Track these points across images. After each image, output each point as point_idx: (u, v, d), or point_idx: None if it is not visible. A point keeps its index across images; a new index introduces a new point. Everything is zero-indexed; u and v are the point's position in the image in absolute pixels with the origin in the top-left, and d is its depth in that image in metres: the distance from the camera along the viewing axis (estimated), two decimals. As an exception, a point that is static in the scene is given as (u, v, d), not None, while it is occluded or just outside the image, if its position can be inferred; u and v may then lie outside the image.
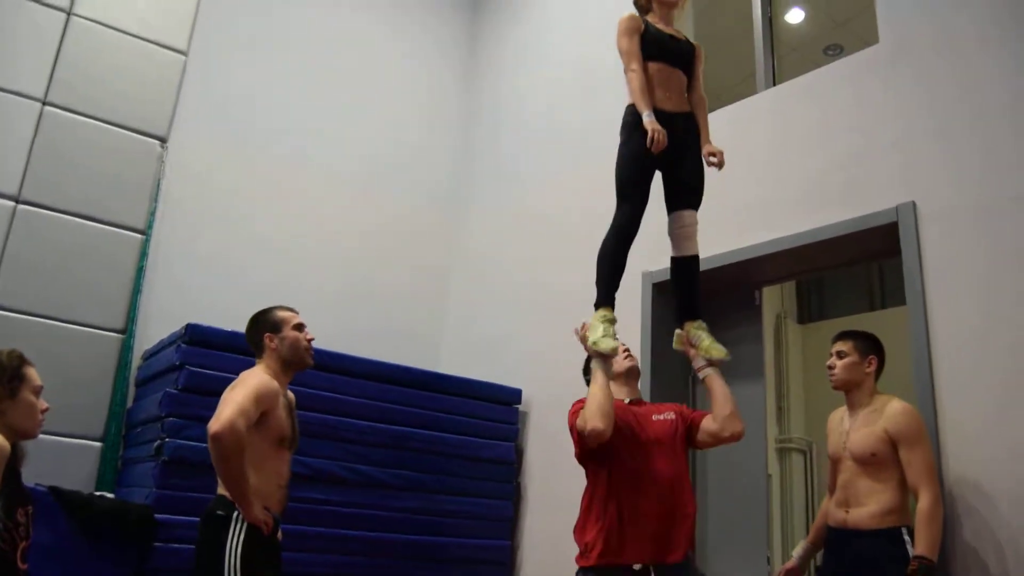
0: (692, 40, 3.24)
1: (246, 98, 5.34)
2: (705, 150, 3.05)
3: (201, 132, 5.07)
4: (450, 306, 5.86)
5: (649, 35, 3.08)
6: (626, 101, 3.05)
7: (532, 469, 4.72)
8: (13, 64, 4.44)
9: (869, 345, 3.05)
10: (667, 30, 3.16)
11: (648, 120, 2.84)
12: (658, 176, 3.07)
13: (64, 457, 4.07)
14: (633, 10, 3.23)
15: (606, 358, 2.83)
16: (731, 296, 4.26)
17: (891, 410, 2.86)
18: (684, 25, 4.95)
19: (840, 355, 3.06)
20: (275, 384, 2.83)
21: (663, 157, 2.92)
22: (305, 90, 5.61)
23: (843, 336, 3.12)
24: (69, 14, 4.68)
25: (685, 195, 3.06)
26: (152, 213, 4.71)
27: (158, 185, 4.77)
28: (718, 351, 2.88)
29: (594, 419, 2.68)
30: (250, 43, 5.44)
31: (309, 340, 3.01)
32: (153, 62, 4.91)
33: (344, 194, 5.61)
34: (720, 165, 3.02)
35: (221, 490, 2.74)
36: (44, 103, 4.50)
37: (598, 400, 2.73)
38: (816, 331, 5.86)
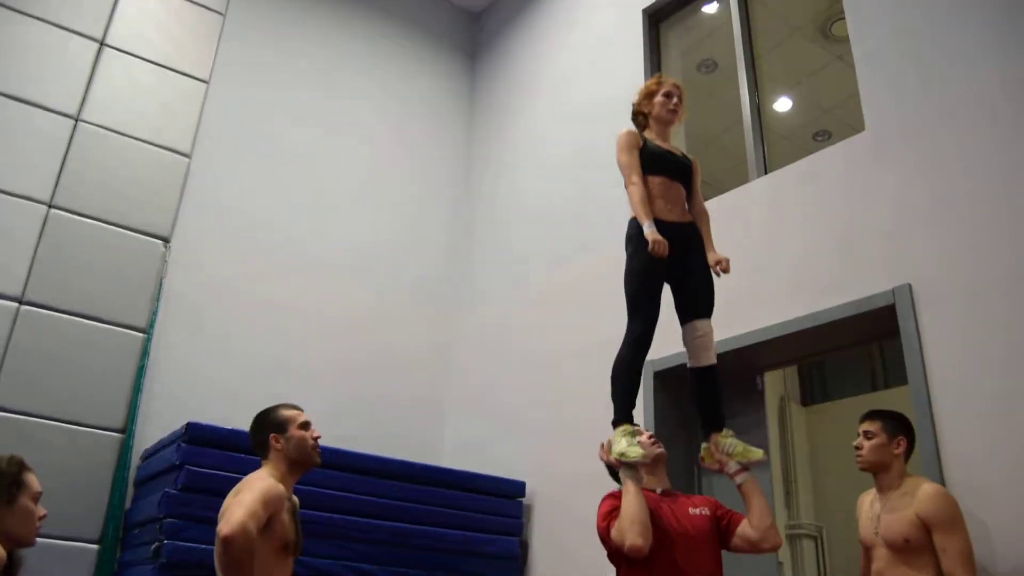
0: (688, 155, 3.37)
1: (249, 198, 5.43)
2: (711, 258, 3.11)
3: (204, 232, 5.15)
4: (451, 400, 5.83)
5: (648, 150, 3.18)
6: (629, 214, 3.09)
7: (538, 564, 4.62)
8: (20, 168, 4.55)
9: (898, 425, 2.92)
10: (664, 146, 3.27)
11: (649, 231, 2.89)
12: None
13: (60, 560, 3.99)
14: (631, 125, 3.34)
15: (636, 467, 2.79)
16: (733, 382, 4.24)
17: (923, 493, 2.72)
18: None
19: (867, 435, 2.92)
20: (281, 488, 2.72)
21: (670, 268, 3.00)
22: (305, 187, 5.71)
23: (870, 416, 2.98)
24: (77, 120, 4.82)
25: (696, 304, 3.09)
26: (154, 312, 4.74)
27: (160, 284, 4.81)
28: (755, 453, 2.87)
29: (633, 536, 2.61)
30: (253, 144, 5.57)
31: (316, 438, 2.92)
32: (158, 165, 5.03)
33: (345, 293, 5.64)
34: (725, 271, 3.09)
35: None
36: (50, 206, 4.58)
37: (633, 513, 2.66)
38: (820, 413, 5.82)
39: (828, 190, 3.85)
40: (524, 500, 4.76)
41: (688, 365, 3.11)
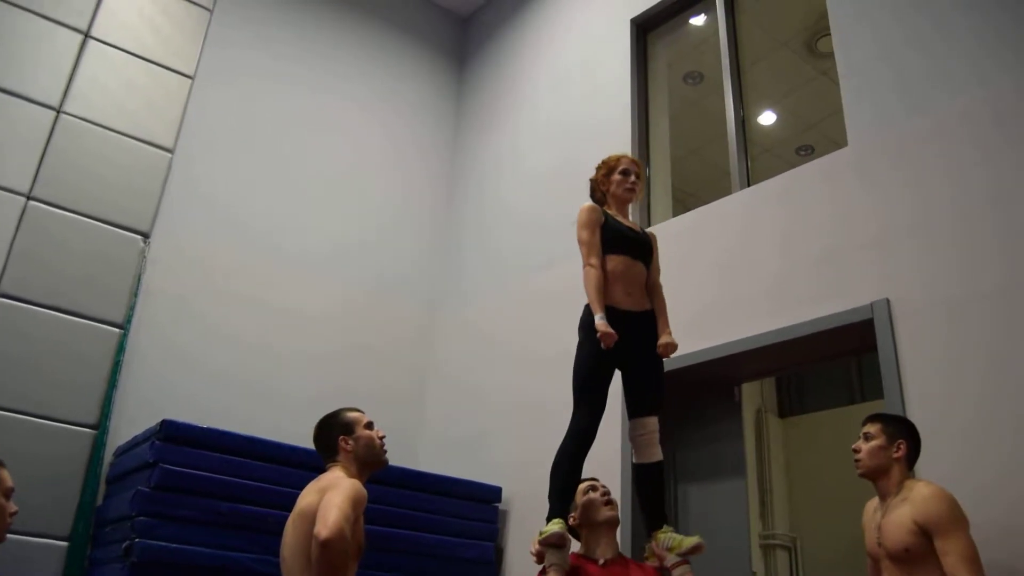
0: (647, 231, 3.36)
1: (231, 195, 5.40)
2: (660, 341, 3.03)
3: (184, 228, 5.10)
4: (428, 404, 5.82)
5: (609, 227, 3.12)
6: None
7: (512, 569, 4.61)
8: (0, 159, 4.49)
9: (899, 428, 2.75)
10: (625, 223, 3.23)
11: (600, 322, 2.82)
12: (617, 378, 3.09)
13: (29, 557, 3.93)
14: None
15: (558, 547, 2.75)
16: (711, 393, 4.27)
17: (918, 496, 2.55)
18: (660, 126, 5.12)
19: (867, 437, 2.76)
20: (364, 490, 2.66)
21: (621, 358, 2.96)
22: (288, 188, 5.69)
23: (872, 418, 2.82)
24: (59, 112, 4.77)
25: (644, 401, 3.02)
26: (132, 307, 4.69)
27: (139, 280, 4.77)
28: (690, 541, 2.82)
29: None
30: (236, 141, 5.53)
31: (382, 437, 2.91)
32: (139, 159, 4.99)
33: (324, 292, 5.62)
34: (665, 356, 3.03)
35: None
36: (29, 197, 4.53)
37: None
38: (796, 425, 5.87)
39: (810, 204, 3.88)
40: (500, 505, 4.75)
41: (633, 461, 3.04)
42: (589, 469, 3.05)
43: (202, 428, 3.91)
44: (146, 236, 4.87)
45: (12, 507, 2.33)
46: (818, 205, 3.85)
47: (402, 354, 5.85)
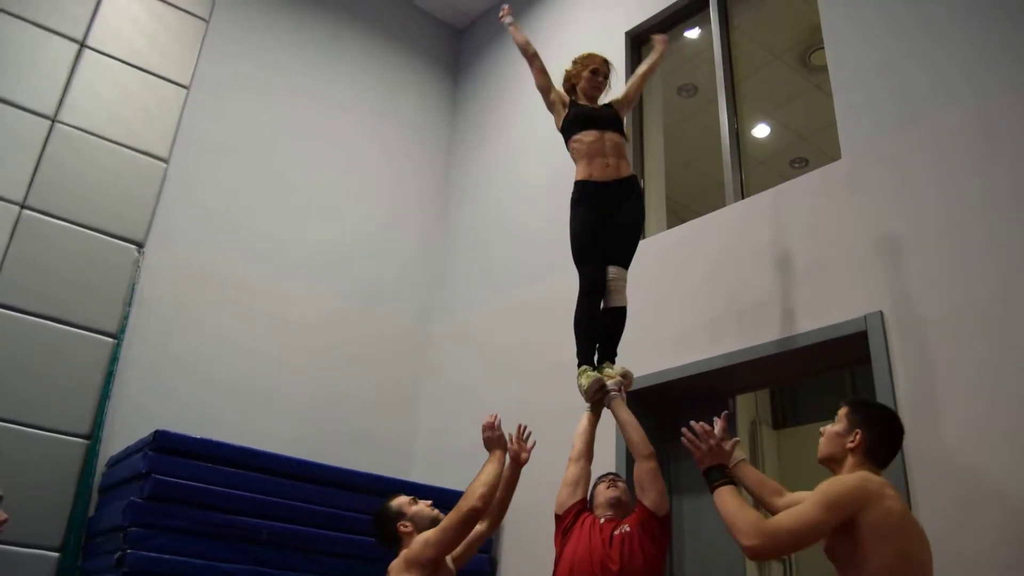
0: (611, 104, 3.82)
1: (225, 205, 5.40)
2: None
3: (179, 237, 5.10)
4: (422, 416, 5.81)
5: (574, 110, 3.69)
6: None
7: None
8: (-6, 168, 4.49)
9: (863, 416, 2.47)
10: (591, 104, 3.75)
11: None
12: None
13: (19, 568, 3.91)
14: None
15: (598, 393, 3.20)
16: (705, 405, 4.26)
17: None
18: (654, 138, 5.14)
19: (836, 421, 2.53)
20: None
21: (606, 222, 3.42)
22: (282, 198, 5.69)
23: (845, 401, 2.58)
24: (54, 121, 4.77)
25: (614, 253, 3.45)
26: (125, 317, 4.68)
27: (133, 289, 4.76)
28: (621, 368, 3.28)
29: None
30: (230, 151, 5.54)
31: (429, 504, 3.03)
32: (134, 168, 4.99)
33: (318, 302, 5.61)
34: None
35: None
36: (23, 206, 4.53)
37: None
38: (791, 436, 5.87)
39: (803, 216, 3.90)
40: (494, 517, 4.73)
41: (601, 305, 3.42)
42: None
43: (195, 439, 3.90)
44: (140, 245, 4.87)
45: (2, 515, 2.32)
46: (812, 217, 3.86)
47: (396, 364, 5.85)
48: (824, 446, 2.50)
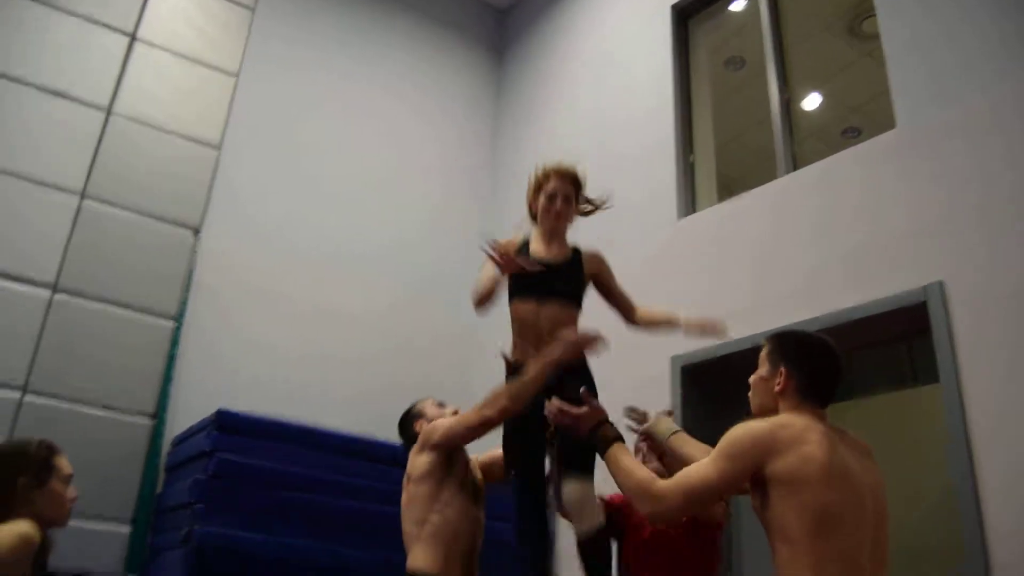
0: (583, 252, 2.84)
1: (277, 189, 5.49)
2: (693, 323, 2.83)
3: (233, 222, 5.21)
4: (476, 392, 5.83)
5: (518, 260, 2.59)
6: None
7: (562, 553, 4.62)
8: (54, 159, 4.61)
9: (786, 350, 2.09)
10: (544, 253, 2.79)
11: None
12: None
13: (93, 541, 4.06)
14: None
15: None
16: (759, 378, 4.25)
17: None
18: (703, 112, 5.09)
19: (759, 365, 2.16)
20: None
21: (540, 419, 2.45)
22: (332, 179, 5.77)
23: (766, 339, 2.20)
24: (108, 113, 4.87)
25: (568, 456, 2.54)
26: (184, 301, 4.79)
27: (190, 274, 4.87)
28: None
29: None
30: (281, 136, 5.62)
31: (453, 412, 2.99)
32: (187, 156, 5.09)
33: (371, 283, 5.69)
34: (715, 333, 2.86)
35: None
36: (83, 196, 4.65)
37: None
38: (844, 411, 5.78)
39: (858, 187, 3.84)
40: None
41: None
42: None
43: (256, 418, 4.00)
44: (196, 231, 4.97)
45: (72, 492, 2.40)
46: (866, 188, 3.80)
47: (448, 346, 5.90)
48: (752, 398, 2.15)
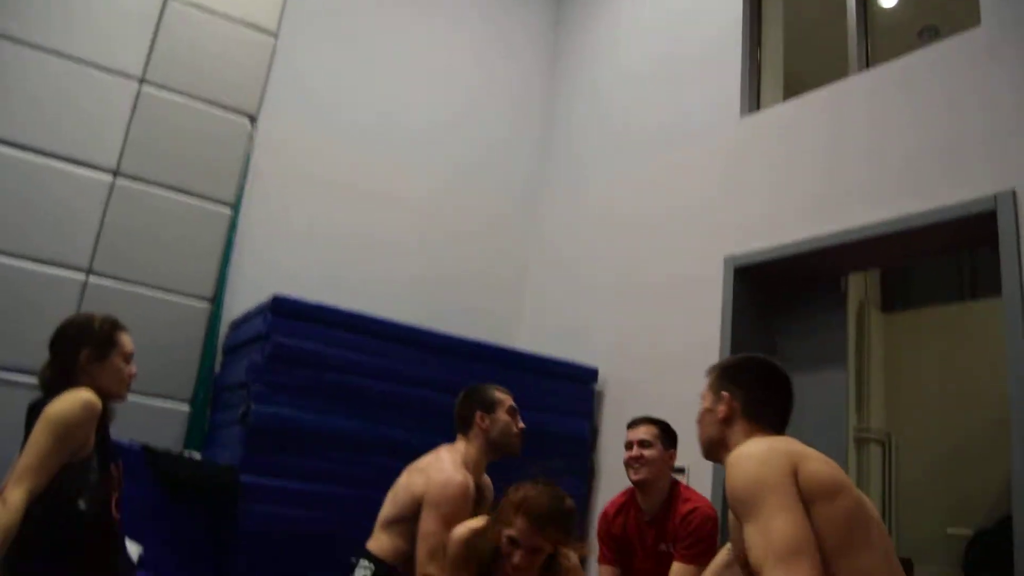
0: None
1: (332, 80, 5.45)
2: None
3: (289, 111, 5.20)
4: (528, 290, 5.90)
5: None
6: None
7: (607, 447, 4.72)
8: (114, 45, 4.60)
9: (725, 374, 2.01)
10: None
11: None
12: None
13: (155, 417, 4.23)
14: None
15: None
16: (815, 283, 4.19)
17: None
18: (772, 8, 4.86)
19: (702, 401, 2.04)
20: (463, 492, 2.62)
21: None
22: (389, 74, 5.69)
23: (706, 374, 2.07)
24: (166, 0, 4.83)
25: None
26: (241, 188, 4.85)
27: (247, 161, 4.91)
28: None
29: None
30: (337, 27, 5.54)
31: (521, 428, 2.87)
32: (244, 43, 5.03)
33: (426, 176, 5.68)
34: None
35: None
36: (142, 81, 4.66)
37: None
38: (900, 321, 5.73)
39: (934, 88, 3.65)
40: (596, 386, 4.84)
41: None
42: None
43: (310, 303, 4.07)
44: (253, 118, 4.97)
45: (132, 369, 2.48)
46: (943, 89, 3.61)
47: (505, 234, 5.95)
48: (700, 436, 2.00)
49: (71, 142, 4.39)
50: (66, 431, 2.17)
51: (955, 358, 5.31)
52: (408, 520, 2.65)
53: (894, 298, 5.93)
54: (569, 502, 2.35)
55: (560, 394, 4.65)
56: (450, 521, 2.50)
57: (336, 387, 3.98)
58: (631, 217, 5.09)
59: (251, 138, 4.94)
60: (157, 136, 4.63)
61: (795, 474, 1.63)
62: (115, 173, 4.49)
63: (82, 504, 2.20)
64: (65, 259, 4.26)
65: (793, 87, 4.67)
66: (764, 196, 4.19)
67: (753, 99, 4.60)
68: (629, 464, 3.00)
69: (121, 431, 2.45)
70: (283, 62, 5.21)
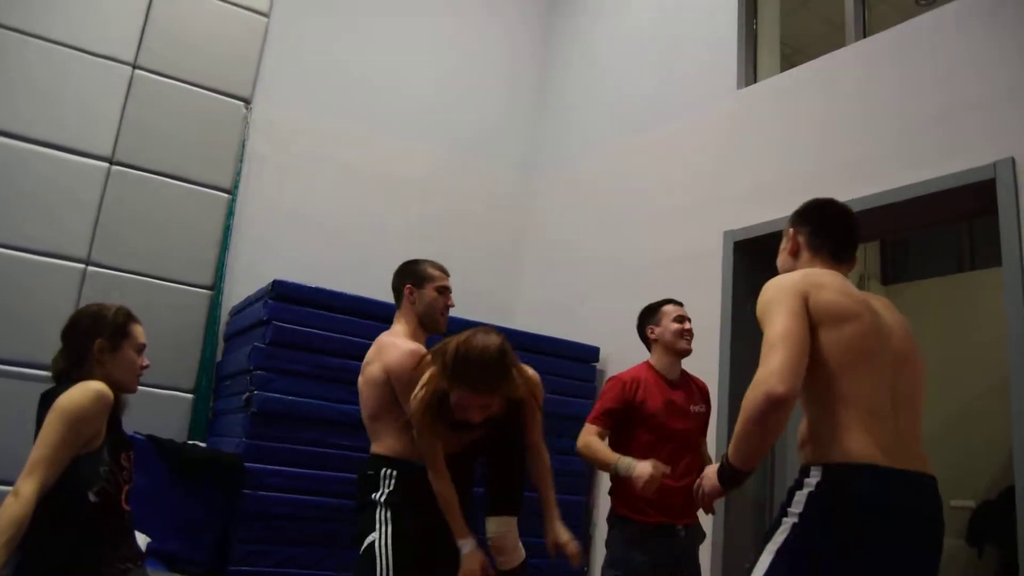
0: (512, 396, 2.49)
1: (326, 59, 5.41)
2: (549, 539, 2.63)
3: (283, 93, 5.17)
4: (526, 269, 5.89)
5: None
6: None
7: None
8: (105, 30, 4.58)
9: (794, 217, 2.20)
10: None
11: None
12: None
13: (159, 407, 4.25)
14: None
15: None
16: (814, 256, 4.17)
17: None
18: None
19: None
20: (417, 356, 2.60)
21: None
22: (383, 52, 5.65)
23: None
24: (157, -18, 4.79)
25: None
26: (238, 173, 4.83)
27: (243, 145, 4.88)
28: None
29: None
30: (330, 5, 5.49)
31: (448, 306, 2.85)
32: (236, 24, 5.00)
33: (422, 152, 5.65)
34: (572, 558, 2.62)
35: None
36: (134, 67, 4.63)
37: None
38: (900, 293, 5.71)
39: (931, 55, 3.62)
40: (598, 365, 4.84)
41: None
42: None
43: (311, 287, 4.07)
44: (247, 102, 4.95)
45: (144, 361, 2.47)
46: (940, 56, 3.58)
47: (501, 214, 5.94)
48: (779, 269, 2.17)
49: (64, 130, 4.37)
50: (78, 423, 2.16)
51: (955, 330, 5.30)
52: (389, 405, 2.63)
53: (894, 270, 5.92)
54: (493, 345, 2.34)
55: (562, 373, 4.65)
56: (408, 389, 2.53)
57: (337, 370, 3.98)
58: (628, 192, 5.07)
59: (246, 122, 4.91)
60: (151, 122, 4.61)
61: (805, 298, 1.85)
62: (110, 161, 4.47)
63: (92, 496, 2.20)
64: (63, 250, 4.26)
65: (791, 58, 4.64)
66: (763, 168, 4.18)
67: (750, 71, 4.57)
68: (682, 335, 3.20)
69: (126, 422, 2.45)
70: (277, 43, 5.18)
